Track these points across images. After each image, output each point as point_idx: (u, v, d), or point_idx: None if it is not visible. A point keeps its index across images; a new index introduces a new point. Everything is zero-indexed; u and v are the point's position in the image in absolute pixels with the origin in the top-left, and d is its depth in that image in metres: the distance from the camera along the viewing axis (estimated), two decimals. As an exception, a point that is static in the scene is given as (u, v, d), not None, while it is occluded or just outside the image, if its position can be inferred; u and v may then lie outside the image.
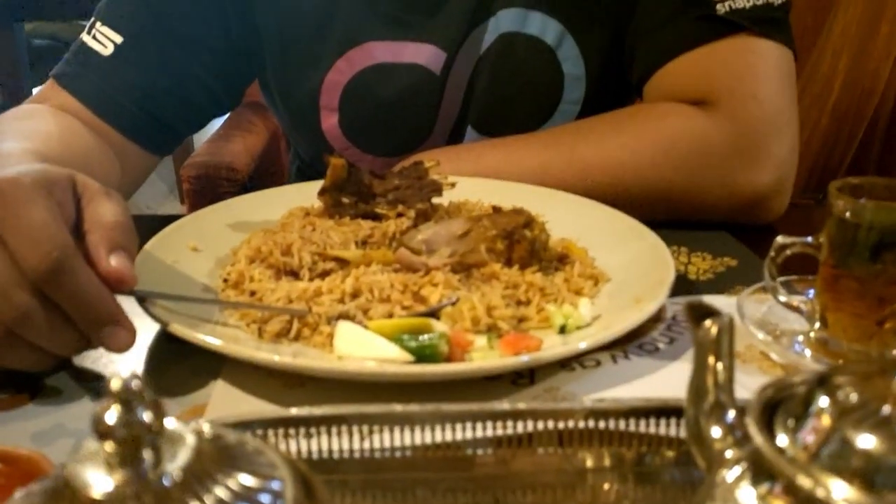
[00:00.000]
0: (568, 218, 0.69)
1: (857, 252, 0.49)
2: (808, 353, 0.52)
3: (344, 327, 0.49)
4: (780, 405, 0.31)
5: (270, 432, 0.39)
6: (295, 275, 0.58)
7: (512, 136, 0.81)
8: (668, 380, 0.49)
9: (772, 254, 0.52)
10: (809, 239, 0.52)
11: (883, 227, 0.47)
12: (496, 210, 0.61)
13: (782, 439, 0.29)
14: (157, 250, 0.60)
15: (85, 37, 0.80)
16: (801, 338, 0.54)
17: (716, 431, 0.35)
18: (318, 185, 0.68)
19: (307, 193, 0.70)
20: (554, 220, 0.70)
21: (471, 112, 0.85)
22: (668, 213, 0.75)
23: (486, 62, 0.83)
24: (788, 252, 0.52)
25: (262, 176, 1.16)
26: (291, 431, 0.38)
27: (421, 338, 0.46)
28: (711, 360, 0.35)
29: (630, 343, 0.53)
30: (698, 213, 0.75)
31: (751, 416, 0.29)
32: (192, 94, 0.83)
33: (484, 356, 0.46)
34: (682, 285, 0.58)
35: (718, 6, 0.74)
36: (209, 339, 0.47)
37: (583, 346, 0.47)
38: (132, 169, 0.82)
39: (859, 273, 0.49)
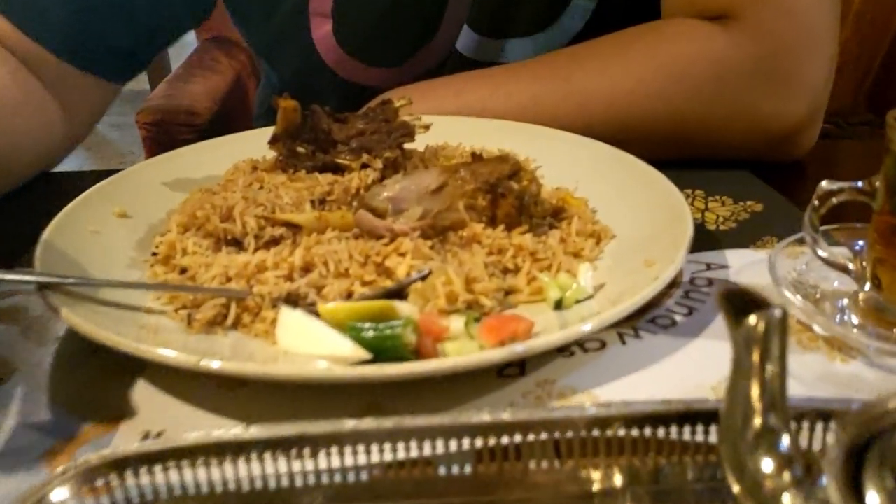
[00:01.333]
0: (564, 161, 0.59)
1: (924, 198, 0.39)
2: (855, 320, 0.43)
3: (288, 316, 0.39)
4: (871, 445, 0.21)
5: (186, 463, 0.30)
6: (238, 244, 0.49)
7: (497, 66, 0.70)
8: (689, 364, 0.40)
9: (815, 202, 0.43)
10: (860, 184, 0.42)
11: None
12: (476, 158, 0.51)
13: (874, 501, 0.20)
14: (75, 219, 0.51)
15: None
16: (846, 301, 0.44)
17: (766, 465, 0.26)
18: (267, 131, 0.58)
19: (260, 142, 0.60)
20: (548, 164, 0.60)
21: (472, 9, 0.74)
22: (680, 150, 0.64)
23: None
24: (835, 200, 0.42)
25: (226, 120, 1.05)
26: (215, 460, 0.29)
27: (380, 327, 0.37)
28: (756, 368, 0.26)
29: (641, 317, 0.43)
30: (716, 149, 0.64)
31: (831, 471, 0.20)
32: (143, 13, 0.71)
33: (460, 348, 0.37)
34: (699, 237, 0.48)
35: None
36: (117, 336, 0.37)
37: (585, 328, 0.38)
38: (81, 100, 0.71)
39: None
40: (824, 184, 0.42)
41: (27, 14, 0.67)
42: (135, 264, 0.49)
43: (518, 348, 0.36)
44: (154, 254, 0.49)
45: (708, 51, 0.62)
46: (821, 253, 0.44)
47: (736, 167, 0.65)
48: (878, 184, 0.41)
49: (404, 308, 0.39)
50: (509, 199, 0.47)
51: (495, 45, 0.75)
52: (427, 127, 0.58)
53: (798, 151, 0.65)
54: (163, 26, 0.74)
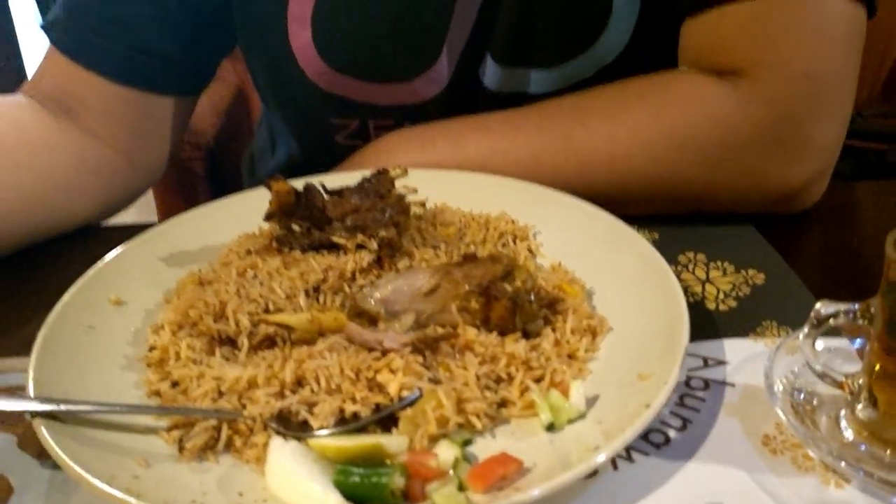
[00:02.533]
0: (563, 231, 0.59)
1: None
2: (850, 435, 0.43)
3: (278, 451, 0.39)
4: None
5: None
6: (232, 343, 0.49)
7: (498, 114, 0.68)
8: (684, 491, 0.40)
9: (810, 325, 0.42)
10: (857, 306, 0.41)
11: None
12: (469, 258, 0.50)
13: None
14: (71, 313, 0.51)
15: None
16: (843, 411, 0.44)
17: None
18: (265, 196, 0.57)
19: (252, 208, 0.59)
20: (546, 231, 0.60)
21: (494, 37, 0.69)
22: (684, 209, 0.63)
23: None
24: (831, 322, 0.42)
25: (229, 137, 1.03)
26: None
27: (367, 474, 0.37)
28: None
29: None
30: (721, 209, 0.63)
31: None
32: (176, 13, 0.70)
33: (447, 500, 0.37)
34: (698, 320, 0.48)
35: None
36: (104, 485, 0.38)
37: (574, 473, 0.38)
38: (158, 124, 0.74)
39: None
40: (819, 306, 0.41)
41: (80, 45, 0.69)
42: (130, 365, 0.49)
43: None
44: (150, 350, 0.49)
45: (715, 115, 0.60)
46: (818, 369, 0.43)
47: (739, 220, 0.64)
48: (873, 309, 0.40)
49: (393, 443, 0.39)
50: (502, 301, 0.47)
51: (520, 75, 0.70)
52: (423, 203, 0.57)
53: (803, 206, 0.64)
54: (203, 28, 0.73)
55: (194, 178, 0.99)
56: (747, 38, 0.61)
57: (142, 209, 0.83)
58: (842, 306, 0.41)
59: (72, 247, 0.67)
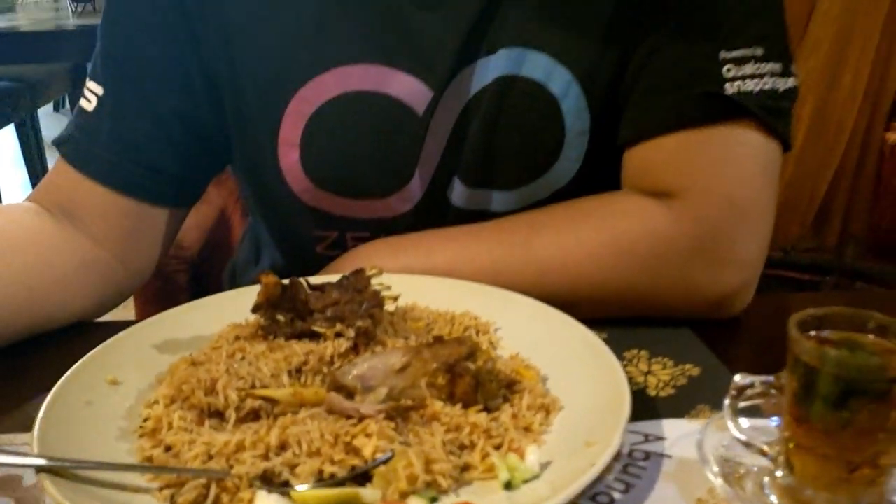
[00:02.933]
0: (521, 327, 0.65)
1: (822, 399, 0.45)
2: (775, 500, 0.48)
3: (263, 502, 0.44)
4: None
5: None
6: (220, 415, 0.53)
7: (464, 227, 0.76)
8: (624, 544, 0.45)
9: (730, 397, 0.49)
10: (772, 378, 0.48)
11: (849, 376, 0.44)
12: (437, 340, 0.57)
13: None
14: (71, 389, 0.56)
15: (82, 97, 0.79)
16: (767, 479, 0.50)
17: None
18: (251, 292, 0.64)
19: (240, 303, 0.65)
20: (506, 327, 0.67)
21: (461, 162, 0.77)
22: (628, 312, 0.71)
23: (479, 108, 0.75)
24: (749, 393, 0.48)
25: (211, 252, 1.11)
26: None
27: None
28: None
29: (582, 494, 0.48)
30: (659, 312, 0.71)
31: None
32: (178, 133, 0.78)
33: (417, 541, 0.41)
34: (640, 405, 0.54)
35: (728, 85, 0.69)
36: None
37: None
38: (151, 232, 0.80)
39: (824, 422, 0.45)
40: (737, 378, 0.48)
41: (87, 158, 0.77)
42: (124, 436, 0.53)
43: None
44: (141, 427, 0.53)
45: (652, 229, 0.69)
46: (741, 438, 0.49)
47: (678, 323, 0.72)
48: (782, 381, 0.47)
49: (368, 495, 0.44)
50: (466, 378, 0.53)
51: (484, 195, 0.79)
52: (395, 298, 0.64)
53: (732, 313, 0.72)
54: (194, 148, 0.81)
55: (177, 288, 1.05)
56: (677, 166, 0.71)
57: (121, 312, 0.89)
58: (757, 378, 0.48)
59: (64, 339, 0.72)
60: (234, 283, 1.04)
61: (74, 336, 0.73)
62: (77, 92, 4.29)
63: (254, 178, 0.85)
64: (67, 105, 5.00)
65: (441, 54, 0.73)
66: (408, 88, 0.74)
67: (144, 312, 1.00)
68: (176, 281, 1.06)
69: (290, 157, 0.78)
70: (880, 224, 1.39)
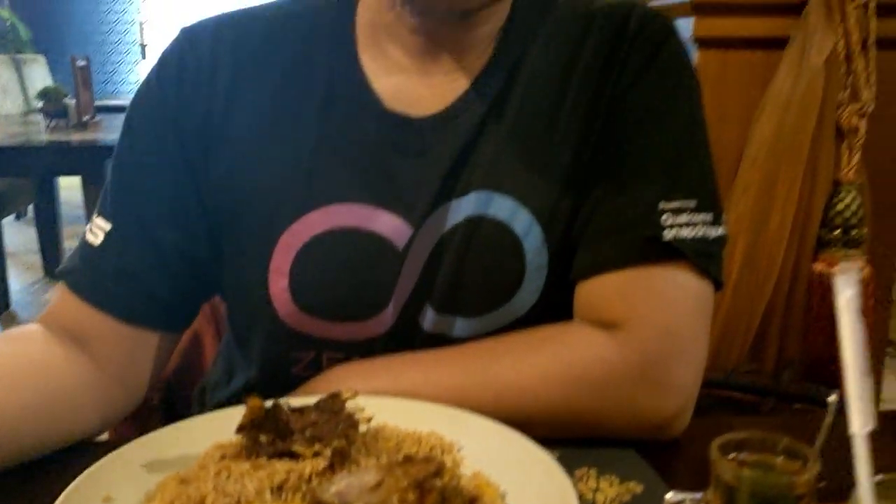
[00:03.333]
0: (482, 447, 0.72)
1: (742, 515, 0.52)
2: None
3: None
4: None
5: None
6: (208, 531, 0.58)
7: (431, 352, 0.84)
8: None
9: (666, 509, 0.56)
10: (700, 495, 0.55)
11: (762, 493, 0.51)
12: (407, 459, 0.63)
13: None
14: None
15: (87, 230, 0.86)
16: (700, 588, 0.56)
17: None
18: (234, 413, 0.69)
19: (224, 425, 0.71)
20: (468, 446, 0.73)
21: (433, 291, 0.85)
22: (579, 433, 0.78)
23: (451, 243, 0.83)
24: (681, 508, 0.55)
25: (183, 374, 1.16)
26: None
27: None
28: None
29: None
30: (607, 433, 0.78)
31: None
32: (177, 265, 0.86)
33: None
34: (589, 520, 0.61)
35: (666, 231, 0.79)
36: None
37: None
38: (147, 355, 0.86)
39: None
40: (669, 497, 0.55)
41: (93, 288, 0.84)
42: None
43: None
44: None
45: (599, 357, 0.78)
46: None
47: (624, 445, 0.79)
48: (708, 498, 0.54)
49: None
50: (434, 494, 0.59)
51: (450, 321, 0.86)
52: (369, 420, 0.71)
53: (672, 434, 0.80)
54: (196, 277, 0.88)
55: (150, 407, 1.09)
56: (621, 301, 0.80)
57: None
58: (688, 495, 0.55)
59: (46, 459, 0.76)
60: (203, 402, 1.08)
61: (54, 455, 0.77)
62: (42, 202, 4.36)
63: (241, 303, 0.92)
64: (30, 214, 5.02)
65: (420, 196, 0.83)
66: (390, 225, 0.83)
67: (118, 431, 1.04)
68: (149, 400, 1.10)
69: (278, 285, 0.85)
70: (812, 349, 1.50)
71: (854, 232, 1.41)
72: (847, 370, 0.48)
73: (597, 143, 0.84)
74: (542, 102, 0.85)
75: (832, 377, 1.49)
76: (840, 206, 1.41)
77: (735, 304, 1.47)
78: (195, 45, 0.88)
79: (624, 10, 0.86)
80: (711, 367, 1.48)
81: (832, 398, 0.51)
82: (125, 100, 6.93)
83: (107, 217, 0.85)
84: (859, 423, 0.46)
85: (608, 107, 0.84)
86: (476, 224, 0.83)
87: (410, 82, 0.85)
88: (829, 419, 0.51)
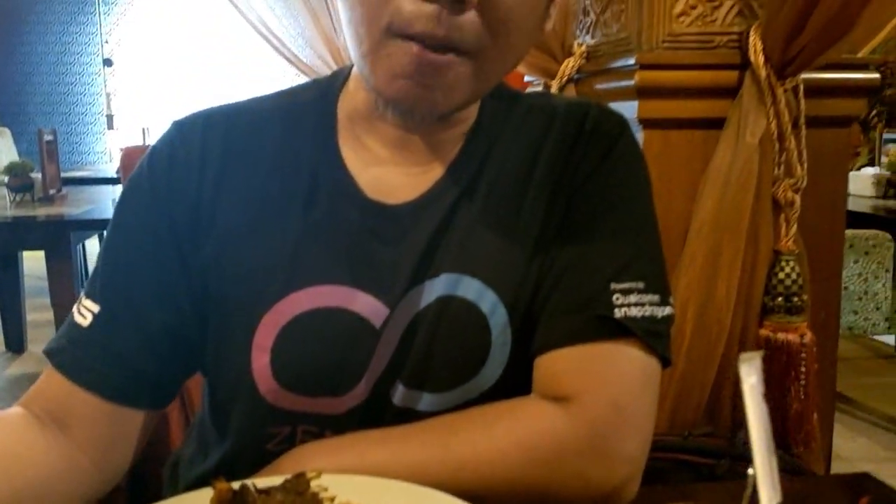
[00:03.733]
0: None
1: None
2: None
3: None
4: None
5: None
6: None
7: (395, 429, 0.87)
8: None
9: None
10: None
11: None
12: (369, 537, 0.67)
13: None
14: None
15: (74, 311, 0.88)
16: None
17: None
18: (203, 495, 0.72)
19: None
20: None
21: (405, 368, 0.89)
22: (534, 503, 0.82)
23: (423, 322, 0.88)
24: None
25: (150, 448, 1.17)
26: None
27: None
28: None
29: None
30: (558, 502, 0.82)
31: None
32: (164, 345, 0.89)
33: None
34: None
35: (616, 310, 0.85)
36: None
37: None
38: (130, 435, 0.89)
39: None
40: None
41: (80, 368, 0.86)
42: None
43: None
44: None
45: (552, 430, 0.82)
46: None
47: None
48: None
49: None
50: (394, 570, 0.63)
51: (418, 396, 0.90)
52: (332, 499, 0.74)
53: (622, 503, 0.84)
54: (182, 357, 0.91)
55: (116, 487, 1.11)
56: (573, 375, 0.86)
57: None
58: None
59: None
60: (176, 479, 1.10)
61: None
62: (5, 278, 4.32)
63: (223, 379, 0.95)
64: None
65: (397, 278, 0.88)
66: (368, 306, 0.88)
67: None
68: (117, 479, 1.12)
69: (260, 361, 0.88)
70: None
71: (795, 299, 1.49)
72: (755, 449, 0.53)
73: (556, 230, 0.91)
74: (508, 191, 0.92)
75: (783, 437, 1.55)
76: (781, 275, 1.49)
77: (689, 368, 1.54)
78: (186, 136, 0.93)
79: (583, 108, 0.95)
80: (669, 429, 1.55)
81: (750, 471, 0.56)
82: (91, 170, 6.96)
83: (95, 299, 0.88)
84: (767, 497, 0.52)
85: (567, 196, 0.92)
86: (446, 304, 0.88)
87: (388, 173, 0.92)
88: (748, 491, 0.56)
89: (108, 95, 9.15)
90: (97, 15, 9.07)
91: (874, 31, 1.48)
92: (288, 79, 8.66)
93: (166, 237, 0.90)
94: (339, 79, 0.97)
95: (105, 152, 9.29)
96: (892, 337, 4.32)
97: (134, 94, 9.22)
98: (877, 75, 1.57)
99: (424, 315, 0.88)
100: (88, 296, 0.90)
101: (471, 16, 0.77)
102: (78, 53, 9.13)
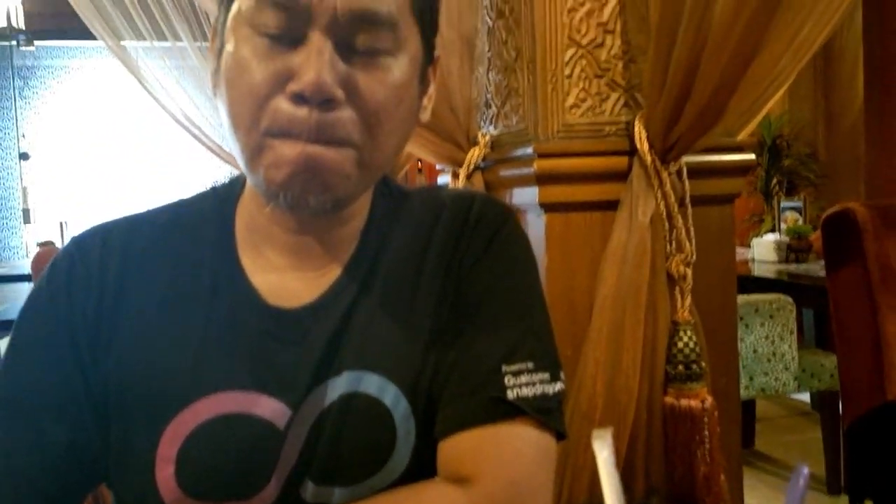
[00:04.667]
0: None
1: None
2: None
3: None
4: None
5: None
6: None
7: None
8: None
9: None
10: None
11: None
12: None
13: None
14: None
15: None
16: None
17: None
18: None
19: None
20: None
21: (313, 465, 0.90)
22: None
23: (328, 419, 0.90)
24: None
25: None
26: None
27: None
28: None
29: None
30: None
31: None
32: (65, 461, 0.88)
33: None
34: None
35: (509, 391, 0.89)
36: None
37: None
38: None
39: None
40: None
41: None
42: None
43: None
44: None
45: None
46: None
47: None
48: None
49: None
50: None
51: (328, 492, 0.92)
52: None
53: None
54: (83, 470, 0.90)
55: None
56: (472, 457, 0.90)
57: None
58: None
59: None
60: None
61: None
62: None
63: (127, 491, 0.94)
64: None
65: (299, 379, 0.91)
66: (271, 409, 0.90)
67: None
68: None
69: (165, 472, 0.88)
70: (674, 474, 1.63)
71: (694, 366, 1.58)
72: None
73: (448, 318, 0.96)
74: (402, 286, 0.97)
75: (693, 500, 1.62)
76: (680, 344, 1.59)
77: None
78: (84, 251, 0.95)
79: (467, 200, 1.03)
80: (589, 499, 1.59)
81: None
82: (6, 266, 6.75)
83: None
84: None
85: (456, 284, 0.97)
86: (350, 400, 0.92)
87: (286, 278, 0.96)
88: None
89: (24, 189, 8.96)
90: (13, 109, 8.96)
91: (746, 117, 1.63)
92: (209, 167, 8.68)
93: (67, 353, 0.91)
94: (236, 187, 1.01)
95: (21, 246, 9.03)
96: (808, 395, 4.51)
97: (52, 187, 9.05)
98: (752, 156, 1.72)
99: (329, 413, 0.91)
100: None
101: (344, 112, 0.83)
102: (-8, 148, 8.96)
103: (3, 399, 0.90)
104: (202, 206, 1.01)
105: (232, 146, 0.88)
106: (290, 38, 0.82)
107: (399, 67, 0.87)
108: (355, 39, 0.83)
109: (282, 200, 0.86)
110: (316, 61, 0.81)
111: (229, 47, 0.85)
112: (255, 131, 0.84)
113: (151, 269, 0.95)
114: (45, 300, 0.93)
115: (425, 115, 0.98)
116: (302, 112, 0.82)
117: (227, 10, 0.87)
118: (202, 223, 0.98)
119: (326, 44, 0.82)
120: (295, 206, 0.87)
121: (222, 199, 1.01)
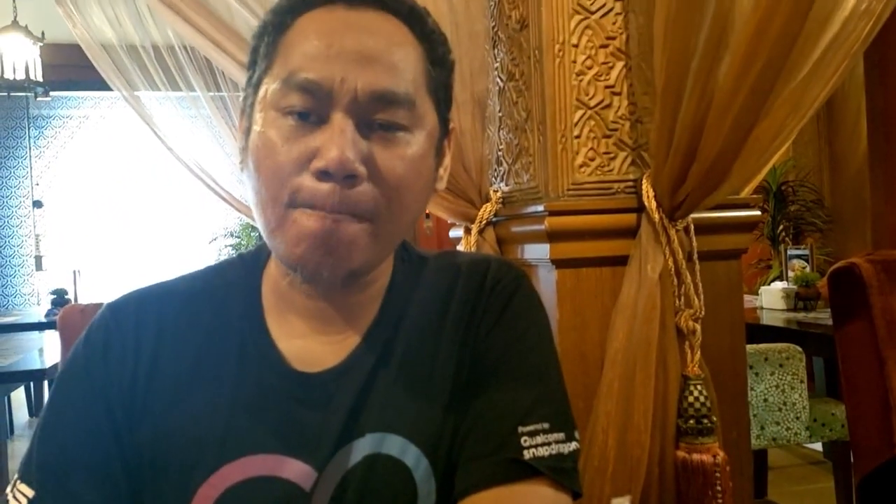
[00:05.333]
0: None
1: None
2: None
3: None
4: None
5: None
6: None
7: None
8: None
9: None
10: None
11: None
12: None
13: None
14: None
15: (8, 495, 0.90)
16: None
17: None
18: None
19: None
20: None
21: None
22: None
23: (352, 480, 0.93)
24: None
25: None
26: None
27: None
28: None
29: None
30: None
31: None
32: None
33: None
34: None
35: (525, 452, 0.92)
36: None
37: None
38: None
39: None
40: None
41: None
42: None
43: None
44: None
45: None
46: None
47: None
48: None
49: None
50: None
51: None
52: None
53: None
54: None
55: None
56: None
57: None
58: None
59: None
60: None
61: None
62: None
63: None
64: None
65: (323, 442, 0.94)
66: (298, 471, 0.93)
67: None
68: None
69: None
70: (687, 530, 1.63)
71: (705, 421, 1.60)
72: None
73: (466, 381, 1.00)
74: (422, 349, 1.01)
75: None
76: (690, 398, 1.61)
77: (614, 490, 1.61)
78: (119, 320, 1.00)
79: (483, 265, 1.07)
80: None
81: None
82: (18, 314, 6.80)
83: (30, 484, 0.91)
84: None
85: (473, 349, 1.01)
86: (373, 461, 0.95)
87: (310, 343, 1.00)
88: None
89: (37, 237, 9.07)
90: (28, 158, 9.11)
91: (748, 177, 1.68)
92: (221, 215, 8.76)
93: (103, 421, 0.94)
94: (262, 255, 1.06)
95: (33, 294, 9.10)
96: (820, 444, 4.48)
97: (64, 235, 9.16)
98: (758, 212, 1.76)
99: (353, 474, 0.94)
100: (23, 480, 0.92)
101: (365, 187, 0.89)
102: (6, 196, 9.09)
103: (39, 463, 0.93)
104: (230, 274, 1.05)
105: (257, 219, 0.93)
106: (313, 118, 0.88)
107: (417, 142, 0.92)
108: (374, 117, 0.89)
109: (299, 273, 0.92)
110: (339, 140, 0.86)
111: (257, 128, 0.91)
112: (279, 205, 0.89)
113: (184, 337, 0.99)
114: (81, 367, 0.97)
115: (441, 185, 1.03)
116: (325, 187, 0.87)
117: (255, 93, 0.93)
118: (231, 291, 1.03)
119: (348, 123, 0.87)
120: (310, 280, 0.93)
121: (249, 268, 1.05)
